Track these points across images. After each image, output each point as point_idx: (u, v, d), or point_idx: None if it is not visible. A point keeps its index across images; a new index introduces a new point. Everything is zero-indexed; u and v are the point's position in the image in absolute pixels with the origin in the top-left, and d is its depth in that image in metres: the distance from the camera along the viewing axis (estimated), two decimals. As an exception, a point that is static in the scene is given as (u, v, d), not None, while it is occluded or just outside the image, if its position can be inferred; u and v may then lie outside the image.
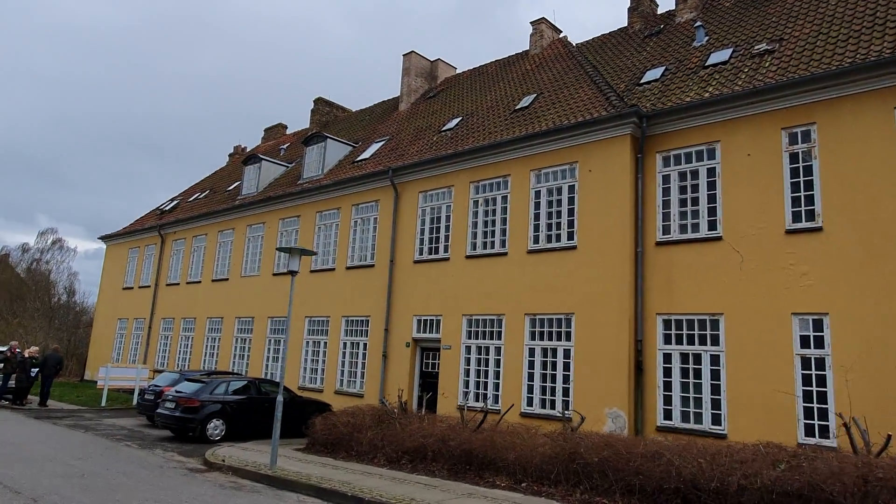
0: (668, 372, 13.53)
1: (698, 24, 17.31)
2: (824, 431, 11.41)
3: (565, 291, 15.01)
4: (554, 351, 15.03)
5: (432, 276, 17.97)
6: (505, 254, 16.38)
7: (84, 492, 9.32)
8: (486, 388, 16.10)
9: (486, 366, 16.27)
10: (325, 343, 20.63)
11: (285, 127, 36.02)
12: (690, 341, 13.36)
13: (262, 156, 27.12)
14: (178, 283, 28.14)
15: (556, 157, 15.90)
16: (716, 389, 12.79)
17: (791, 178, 12.61)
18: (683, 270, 13.64)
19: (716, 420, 12.67)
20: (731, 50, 15.49)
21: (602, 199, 14.79)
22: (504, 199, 16.81)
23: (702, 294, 13.28)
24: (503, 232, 16.64)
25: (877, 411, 10.44)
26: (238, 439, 15.51)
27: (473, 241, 17.28)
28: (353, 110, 31.79)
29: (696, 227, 13.71)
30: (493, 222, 16.93)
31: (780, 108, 12.92)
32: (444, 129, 20.66)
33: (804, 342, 11.96)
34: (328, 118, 31.40)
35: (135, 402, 22.07)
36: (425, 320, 17.98)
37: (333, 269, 21.02)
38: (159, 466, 11.86)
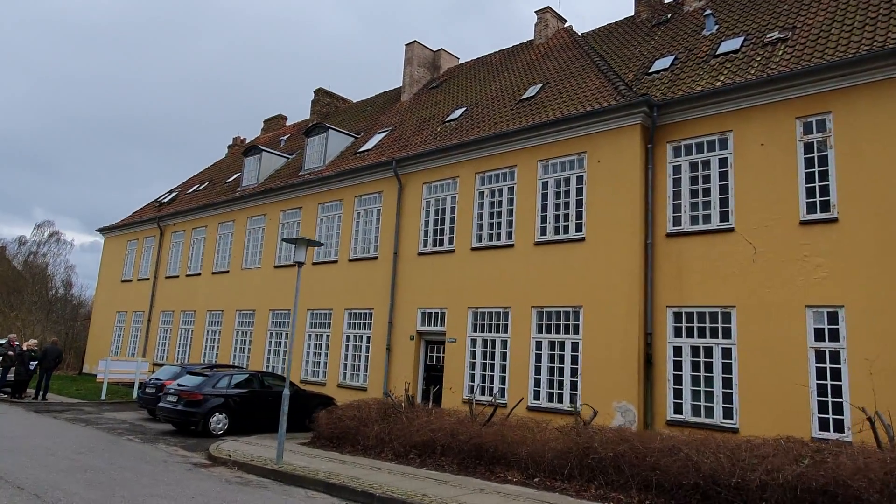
0: (678, 365, 13.34)
1: (708, 12, 17.06)
2: (839, 426, 11.23)
3: (573, 284, 14.79)
4: (561, 344, 14.83)
5: (437, 269, 17.75)
6: (511, 246, 16.15)
7: (88, 487, 9.10)
8: (492, 382, 15.90)
9: (492, 359, 16.06)
10: (328, 336, 20.42)
11: (285, 118, 35.69)
12: (701, 334, 13.16)
13: (262, 147, 26.82)
14: (177, 276, 27.88)
15: (563, 147, 15.65)
16: (727, 383, 12.61)
17: (806, 169, 12.39)
18: (694, 262, 13.43)
19: (727, 414, 12.49)
20: (742, 38, 15.24)
21: (611, 189, 14.57)
22: (510, 190, 16.58)
23: (713, 286, 13.07)
24: (509, 223, 16.41)
25: (894, 405, 10.24)
26: (241, 433, 15.30)
27: (479, 232, 17.05)
28: (354, 101, 31.48)
29: (707, 219, 13.49)
30: (500, 214, 16.70)
31: (794, 97, 12.69)
32: (448, 119, 20.39)
33: (818, 335, 11.77)
34: (329, 109, 31.09)
35: (135, 395, 21.87)
36: (430, 313, 17.77)
37: (336, 262, 20.78)
38: (163, 461, 11.65)
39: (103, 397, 21.25)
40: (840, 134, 12.06)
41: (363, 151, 22.14)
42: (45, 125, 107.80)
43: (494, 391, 15.58)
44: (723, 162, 13.47)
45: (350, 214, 20.79)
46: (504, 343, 15.90)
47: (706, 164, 13.70)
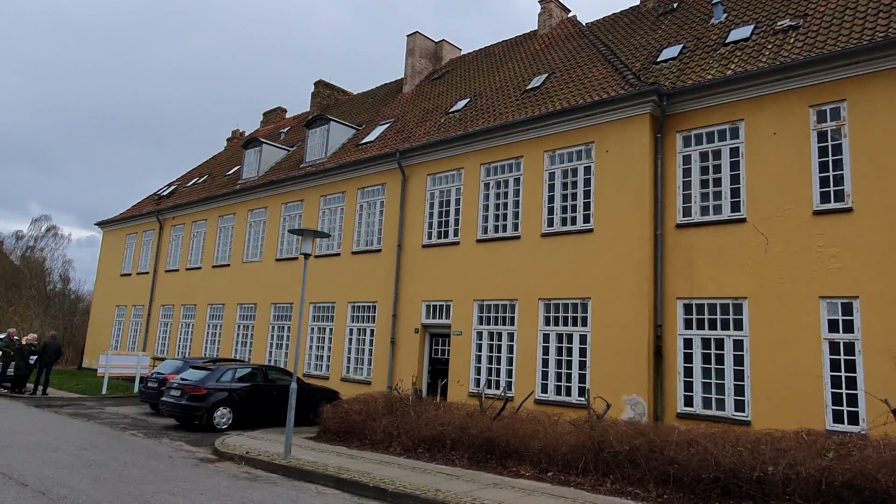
0: (688, 357, 13.18)
1: (716, 0, 16.82)
2: (853, 418, 11.09)
3: (581, 275, 14.62)
4: (570, 336, 14.67)
5: (442, 261, 17.56)
6: (518, 237, 15.96)
7: (93, 484, 8.91)
8: (498, 375, 15.74)
9: (499, 352, 15.90)
10: (331, 329, 20.22)
11: (284, 110, 35.40)
12: (712, 326, 12.99)
13: (262, 139, 26.55)
14: (177, 270, 27.65)
15: (571, 137, 15.45)
16: (739, 375, 12.46)
17: (819, 158, 12.20)
18: (705, 253, 13.25)
19: (739, 406, 12.34)
20: (752, 27, 15.02)
21: (620, 180, 14.38)
22: (516, 181, 16.37)
23: (724, 277, 12.90)
24: (515, 215, 16.21)
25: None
26: (245, 428, 15.13)
27: (485, 224, 16.85)
28: (355, 93, 31.21)
29: (718, 209, 13.31)
30: (505, 205, 16.50)
31: (807, 85, 12.49)
32: (452, 110, 20.16)
33: (832, 326, 11.61)
34: (329, 101, 30.81)
35: (136, 389, 21.69)
36: (435, 306, 17.59)
37: (339, 255, 20.57)
38: (168, 456, 11.47)
39: (104, 392, 21.06)
40: (854, 122, 11.87)
41: (365, 143, 21.90)
42: (40, 119, 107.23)
43: (502, 385, 15.42)
44: (734, 151, 13.27)
45: (353, 207, 20.57)
46: (511, 336, 15.73)
47: (717, 154, 13.51)
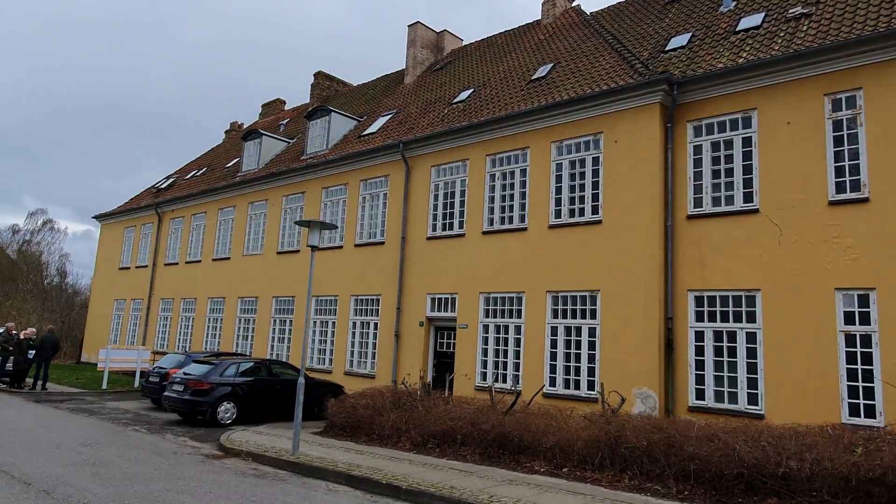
0: (700, 350, 13.00)
1: (725, -12, 16.56)
2: (870, 411, 10.92)
3: (590, 267, 14.41)
4: (578, 329, 14.47)
5: (447, 253, 17.33)
6: (525, 229, 15.74)
7: (99, 482, 8.69)
8: (505, 369, 15.54)
9: (506, 345, 15.69)
10: (334, 323, 20.00)
11: (283, 102, 35.06)
12: (724, 318, 12.80)
13: (262, 131, 26.25)
14: (176, 263, 27.38)
15: (579, 127, 15.21)
16: (752, 368, 12.28)
17: (835, 147, 11.99)
18: (717, 245, 13.05)
19: (752, 400, 12.17)
20: (762, 14, 14.78)
21: (629, 171, 14.16)
22: (523, 172, 16.14)
23: (737, 269, 12.71)
24: (522, 206, 15.99)
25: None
26: (249, 423, 14.92)
27: (490, 216, 16.62)
28: (355, 85, 30.89)
29: (730, 200, 13.10)
30: (512, 196, 16.27)
31: (822, 73, 12.26)
32: (456, 101, 19.90)
33: (848, 318, 11.42)
34: (329, 93, 30.49)
35: (136, 384, 21.47)
36: (440, 298, 17.37)
37: (341, 247, 20.33)
38: (173, 452, 11.25)
39: (104, 386, 20.82)
40: (871, 111, 11.65)
41: (367, 134, 21.63)
42: (34, 113, 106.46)
43: (509, 378, 15.24)
44: (746, 141, 13.05)
45: (355, 199, 20.32)
46: (518, 329, 15.52)
47: (729, 144, 13.29)
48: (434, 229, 17.89)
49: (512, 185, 16.31)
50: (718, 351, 12.76)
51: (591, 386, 13.95)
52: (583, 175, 15.02)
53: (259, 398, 15.41)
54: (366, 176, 20.12)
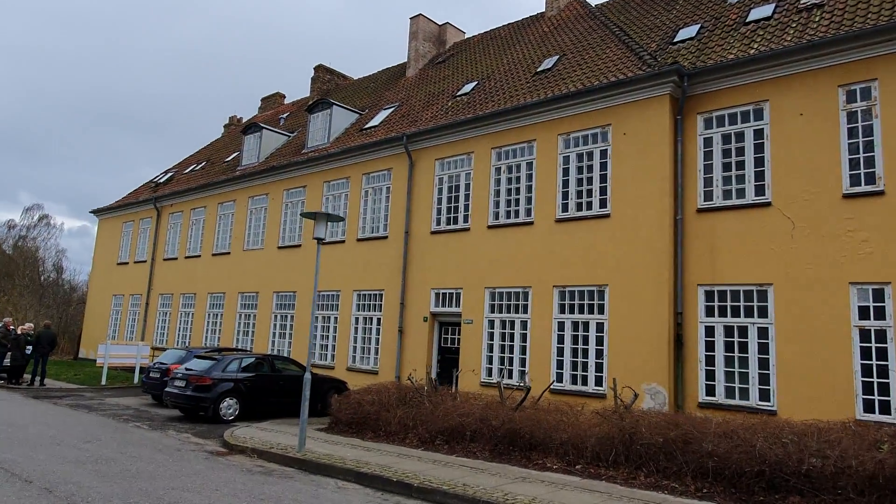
0: (710, 346, 12.82)
1: (734, -21, 16.34)
2: (885, 407, 10.75)
3: (598, 262, 14.22)
4: (586, 325, 14.28)
5: (451, 248, 17.12)
6: (531, 223, 15.53)
7: (102, 480, 8.47)
8: (511, 364, 15.35)
9: (512, 340, 15.50)
10: (336, 318, 19.77)
11: (283, 96, 34.76)
12: (735, 313, 12.62)
13: (262, 124, 25.98)
14: (175, 258, 27.11)
15: (586, 120, 15.00)
16: (763, 363, 12.10)
17: (849, 139, 11.80)
18: (727, 238, 12.86)
19: (764, 395, 11.99)
20: (773, 5, 14.57)
21: (638, 163, 13.95)
22: (529, 165, 15.92)
23: (748, 263, 12.52)
24: (528, 200, 15.77)
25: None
26: (252, 419, 14.71)
27: (496, 209, 16.41)
28: (355, 78, 30.62)
29: (741, 193, 12.90)
30: (518, 190, 16.05)
31: (836, 64, 12.06)
32: (460, 93, 19.67)
33: (863, 313, 11.25)
34: (329, 86, 30.20)
35: (136, 380, 21.26)
36: (444, 293, 17.16)
37: (343, 241, 20.10)
38: (177, 449, 11.04)
39: (104, 382, 20.59)
40: (886, 102, 11.45)
41: (370, 128, 21.39)
42: (28, 108, 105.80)
43: (515, 374, 15.05)
44: (758, 133, 12.85)
45: (357, 193, 20.09)
46: (524, 324, 15.33)
47: (740, 136, 13.09)
48: (438, 223, 17.67)
49: (518, 179, 16.10)
50: (729, 346, 12.58)
51: (598, 381, 13.78)
52: (590, 168, 14.81)
53: (262, 394, 15.20)
54: (368, 169, 19.89)
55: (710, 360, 12.76)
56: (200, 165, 30.18)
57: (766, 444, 7.72)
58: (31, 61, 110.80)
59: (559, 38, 19.25)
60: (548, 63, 17.80)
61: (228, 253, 24.33)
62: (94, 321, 31.39)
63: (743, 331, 12.46)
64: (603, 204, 14.44)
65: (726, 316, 12.72)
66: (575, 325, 14.45)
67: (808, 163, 12.08)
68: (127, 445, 11.12)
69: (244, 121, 34.71)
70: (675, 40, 15.72)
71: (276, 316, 21.78)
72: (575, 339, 14.39)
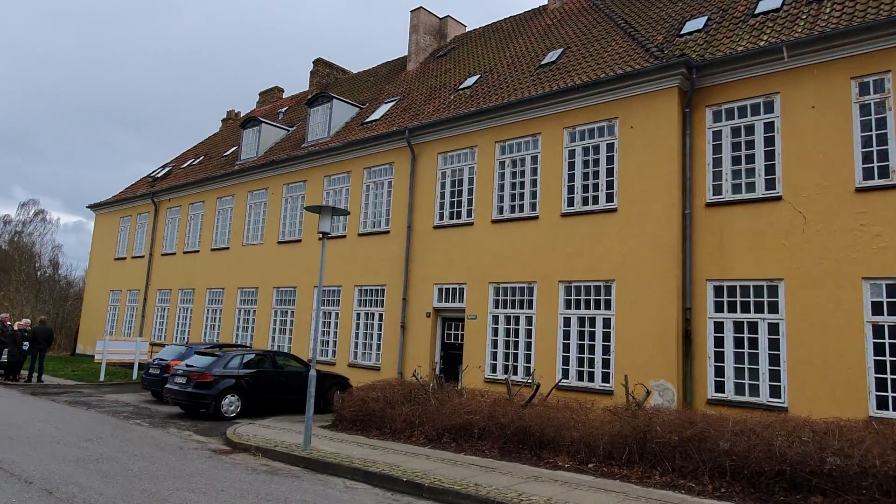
0: (719, 342, 12.65)
1: (741, -29, 16.12)
2: (899, 404, 10.60)
3: (604, 257, 14.03)
4: (592, 320, 14.09)
5: (455, 243, 16.91)
6: (536, 217, 15.33)
7: (104, 480, 8.26)
8: (516, 360, 15.16)
9: (516, 336, 15.30)
10: (337, 314, 19.57)
11: (282, 90, 34.47)
12: (745, 309, 12.45)
13: (261, 118, 25.70)
14: (174, 253, 26.85)
15: (592, 113, 14.79)
16: (774, 360, 11.93)
17: (862, 132, 11.61)
18: (737, 233, 12.68)
19: (774, 392, 11.83)
20: (782, -3, 14.36)
21: (645, 157, 13.76)
22: (534, 159, 15.71)
23: (758, 258, 12.34)
24: (533, 194, 15.57)
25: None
26: (254, 416, 14.51)
27: (500, 204, 16.20)
28: (355, 72, 30.34)
29: (751, 187, 12.71)
30: (522, 184, 15.84)
31: (848, 56, 11.86)
32: (462, 87, 19.44)
33: (876, 308, 11.08)
34: (329, 80, 29.92)
35: (134, 376, 21.03)
36: (447, 289, 16.96)
37: (344, 236, 19.87)
38: (179, 448, 10.83)
39: (102, 378, 20.36)
40: (900, 94, 11.27)
41: (371, 122, 21.15)
42: (23, 104, 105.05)
43: (520, 370, 14.86)
44: (768, 126, 12.66)
45: (359, 187, 19.85)
46: (529, 320, 15.13)
47: (750, 129, 12.89)
48: (441, 218, 17.46)
49: (523, 173, 15.89)
50: (739, 342, 12.41)
51: (605, 378, 13.60)
52: (597, 162, 14.61)
53: (264, 391, 14.99)
54: (370, 163, 19.65)
55: (719, 357, 12.59)
56: (198, 160, 29.89)
57: (786, 443, 7.55)
58: (25, 57, 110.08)
59: (563, 30, 19.03)
60: (552, 56, 17.58)
61: (227, 248, 24.08)
62: (92, 317, 31.11)
63: (753, 326, 12.29)
64: (610, 198, 14.25)
65: (736, 311, 12.55)
66: (581, 320, 14.27)
67: (819, 156, 11.90)
68: (128, 444, 10.91)
69: (242, 115, 34.39)
70: (681, 32, 15.51)
71: (275, 311, 21.56)
72: (581, 335, 14.21)
